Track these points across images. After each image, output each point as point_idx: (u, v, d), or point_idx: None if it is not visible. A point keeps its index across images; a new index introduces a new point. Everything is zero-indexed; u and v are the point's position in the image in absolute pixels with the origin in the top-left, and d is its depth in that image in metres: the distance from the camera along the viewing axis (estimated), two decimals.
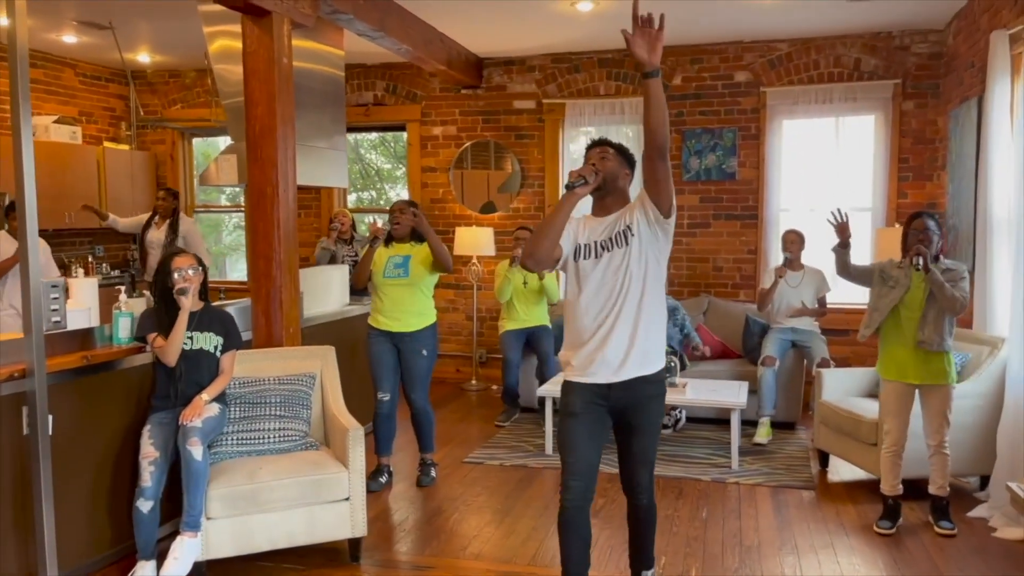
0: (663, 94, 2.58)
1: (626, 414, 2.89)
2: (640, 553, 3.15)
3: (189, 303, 3.50)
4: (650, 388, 2.87)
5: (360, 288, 4.74)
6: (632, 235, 2.79)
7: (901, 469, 4.06)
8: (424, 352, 4.62)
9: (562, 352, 2.98)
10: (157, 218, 6.42)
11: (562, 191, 3.04)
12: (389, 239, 4.61)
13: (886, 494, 4.07)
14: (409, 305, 4.57)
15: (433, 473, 4.82)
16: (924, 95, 6.37)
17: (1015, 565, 3.60)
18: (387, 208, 9.27)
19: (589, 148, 2.96)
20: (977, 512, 4.18)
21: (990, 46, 4.59)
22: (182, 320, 3.49)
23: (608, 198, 2.89)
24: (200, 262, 3.69)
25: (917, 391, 4.02)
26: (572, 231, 2.88)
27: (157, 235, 6.34)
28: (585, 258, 2.85)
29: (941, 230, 4.00)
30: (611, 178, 2.85)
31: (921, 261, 3.83)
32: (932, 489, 4.04)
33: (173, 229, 6.31)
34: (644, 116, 2.62)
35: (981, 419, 4.31)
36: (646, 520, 3.10)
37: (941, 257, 3.98)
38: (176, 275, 3.55)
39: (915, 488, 4.24)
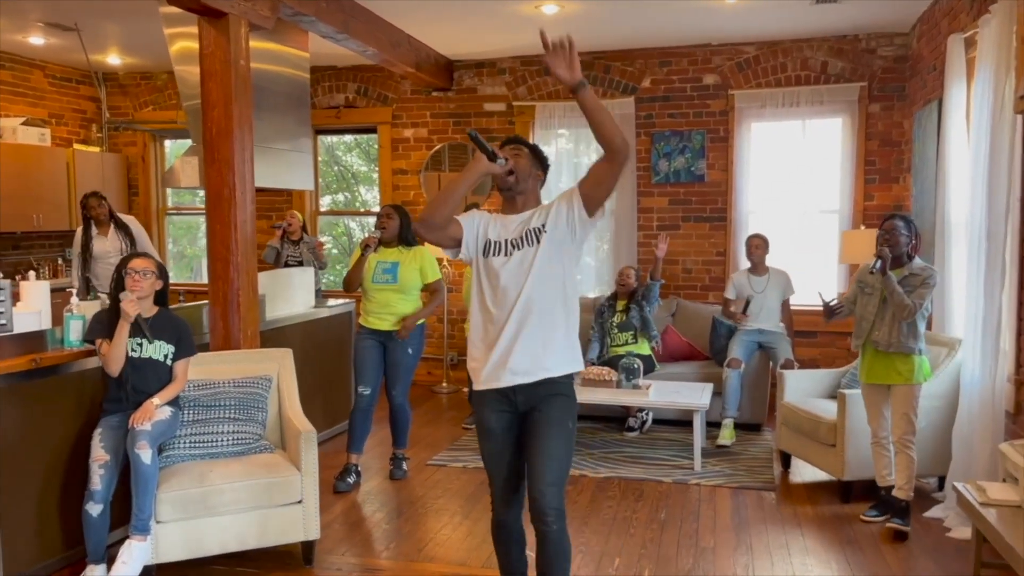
0: (598, 100, 2.50)
1: (531, 413, 2.73)
2: None
3: (130, 310, 3.42)
4: (555, 387, 2.72)
5: (351, 291, 4.76)
6: (544, 232, 2.68)
7: (889, 461, 4.12)
8: (410, 350, 4.70)
9: (469, 356, 2.83)
10: (96, 227, 5.85)
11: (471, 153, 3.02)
12: (378, 243, 4.64)
13: (878, 484, 4.17)
14: (398, 307, 4.64)
15: (405, 467, 4.91)
16: (890, 98, 6.42)
17: (966, 564, 3.61)
18: (361, 211, 9.26)
19: (503, 145, 2.86)
20: (933, 512, 4.21)
21: (947, 50, 4.64)
22: (122, 330, 3.43)
23: (518, 197, 2.79)
24: (161, 269, 3.65)
25: (888, 389, 4.09)
26: (482, 225, 2.78)
27: (106, 244, 5.83)
28: (495, 255, 2.72)
29: (913, 231, 4.00)
30: (523, 176, 2.75)
31: (879, 264, 3.87)
32: (895, 491, 4.06)
33: (124, 232, 5.89)
34: (591, 128, 2.51)
35: (939, 420, 4.34)
36: (555, 554, 2.67)
37: (915, 258, 3.99)
38: (128, 276, 3.51)
39: (868, 489, 4.28)
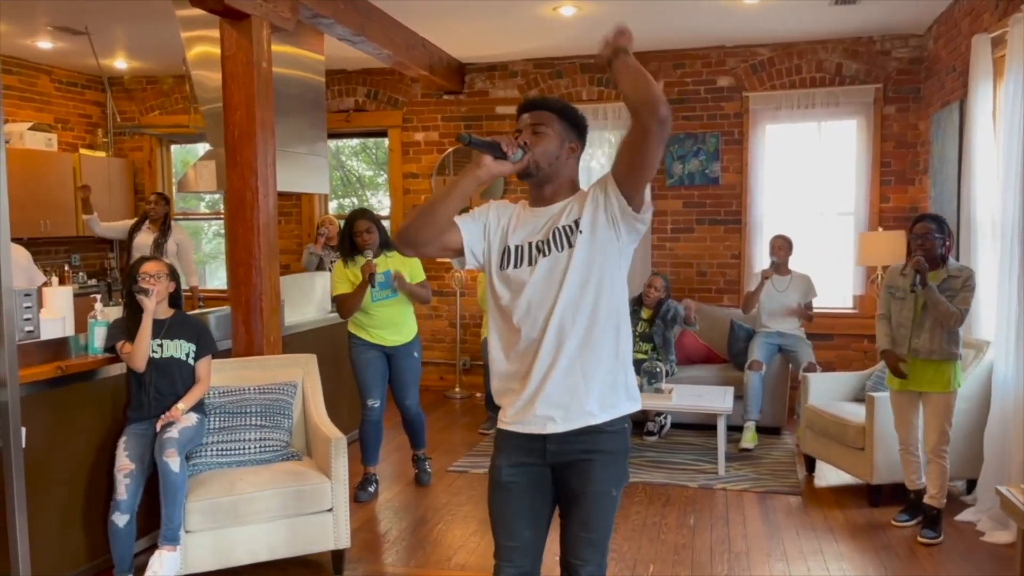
0: (637, 64, 1.94)
1: (566, 474, 2.14)
2: None
3: (151, 304, 3.42)
4: (600, 440, 2.11)
5: (346, 317, 4.60)
6: (578, 233, 2.06)
7: (918, 466, 4.06)
8: (415, 354, 4.64)
9: (495, 390, 2.22)
10: (148, 222, 6.22)
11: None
12: (352, 253, 4.46)
13: (908, 488, 4.12)
14: (400, 319, 4.57)
15: (428, 468, 4.87)
16: (906, 99, 6.39)
17: (1003, 569, 3.58)
18: None
19: (520, 113, 2.19)
20: (965, 516, 4.17)
21: (972, 50, 4.61)
22: (146, 322, 3.41)
23: (547, 186, 2.14)
24: (172, 271, 3.62)
25: (921, 396, 4.01)
26: (501, 226, 2.16)
27: (146, 238, 6.16)
28: (516, 266, 2.11)
29: (946, 231, 3.90)
30: (546, 160, 2.09)
31: (918, 278, 3.76)
32: (925, 497, 4.00)
33: (164, 233, 6.16)
34: (624, 95, 1.95)
35: (968, 422, 4.29)
36: None
37: (949, 259, 3.91)
38: (143, 280, 3.48)
39: (897, 492, 4.24)
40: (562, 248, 2.07)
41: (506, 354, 2.15)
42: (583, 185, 2.20)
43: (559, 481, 2.16)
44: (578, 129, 2.17)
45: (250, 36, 4.06)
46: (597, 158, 7.14)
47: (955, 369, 3.89)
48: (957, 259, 4.80)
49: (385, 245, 4.49)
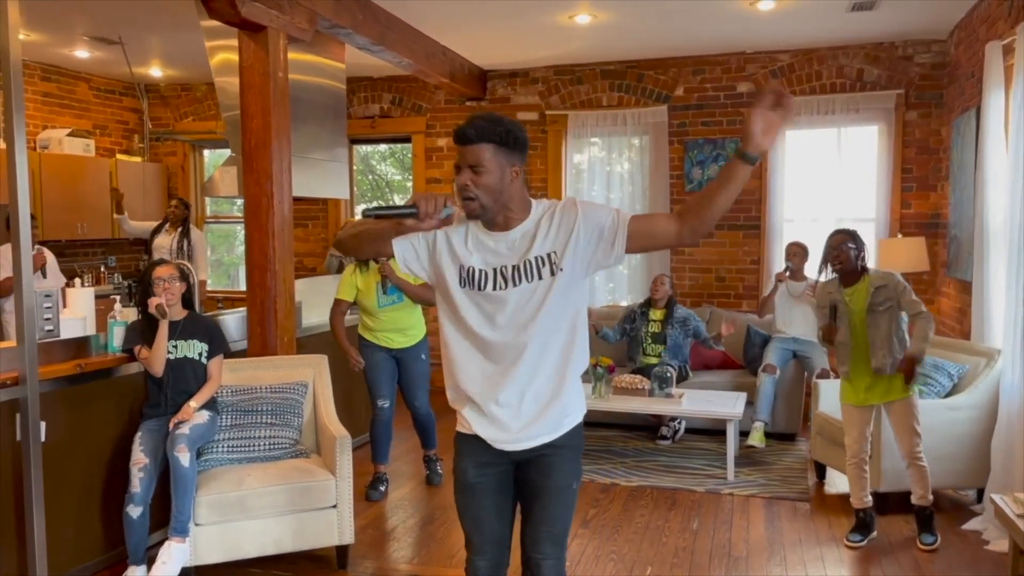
0: (746, 180, 1.99)
1: (527, 469, 2.22)
2: None
3: (165, 311, 3.55)
4: (561, 438, 2.20)
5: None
6: (559, 270, 2.07)
7: (867, 481, 4.02)
8: (423, 356, 4.72)
9: (451, 399, 2.27)
10: (168, 225, 6.46)
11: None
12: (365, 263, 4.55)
13: (855, 507, 4.05)
14: (406, 322, 4.64)
15: (440, 469, 4.94)
16: (927, 105, 6.34)
17: None
18: None
19: (457, 143, 2.10)
20: (971, 525, 4.15)
21: (985, 57, 4.58)
22: (162, 333, 3.56)
23: (497, 216, 2.10)
24: (183, 272, 3.76)
25: (881, 407, 3.99)
26: (449, 246, 2.15)
27: (165, 241, 6.39)
28: (481, 287, 2.11)
29: (859, 242, 3.87)
30: (491, 197, 2.04)
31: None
32: (913, 500, 4.01)
33: (185, 237, 6.39)
34: (712, 192, 1.99)
35: (977, 431, 4.27)
36: None
37: (868, 270, 3.89)
38: (156, 285, 3.61)
39: (903, 501, 4.21)
40: (537, 278, 2.08)
41: (464, 368, 2.18)
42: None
43: (520, 477, 2.25)
44: (519, 147, 2.09)
45: (267, 47, 4.20)
46: (621, 163, 7.20)
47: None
48: (971, 268, 4.77)
49: None
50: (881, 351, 3.79)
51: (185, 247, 6.33)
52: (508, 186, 2.06)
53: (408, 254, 2.18)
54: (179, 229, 6.41)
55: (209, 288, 7.22)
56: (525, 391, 2.14)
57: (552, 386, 2.16)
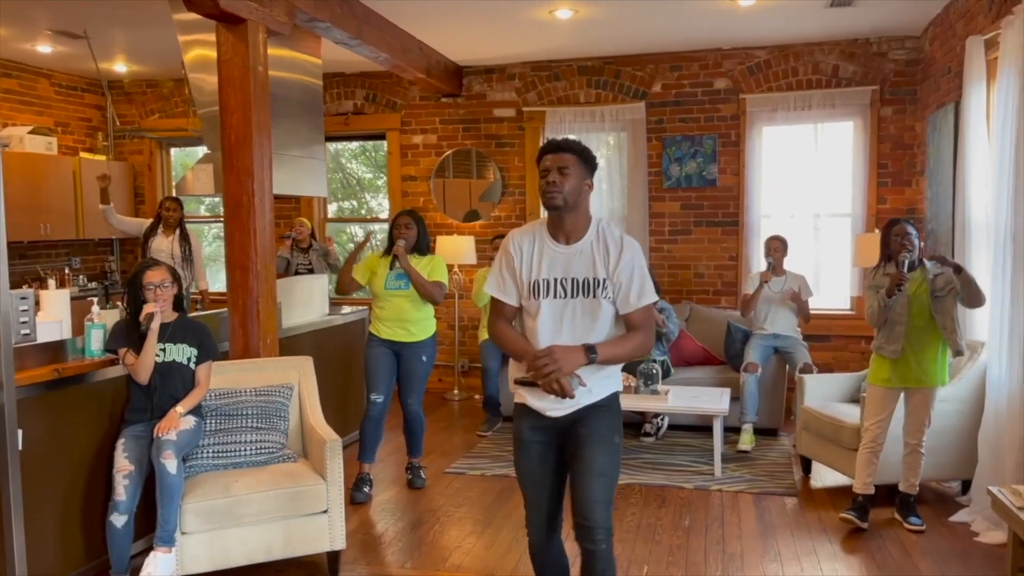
0: (612, 351, 2.53)
1: (574, 427, 2.60)
2: None
3: (156, 325, 3.45)
4: (601, 401, 2.62)
5: (344, 292, 4.74)
6: (604, 294, 2.55)
7: (876, 468, 4.09)
8: (424, 358, 4.66)
9: (513, 380, 2.66)
10: (163, 227, 6.24)
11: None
12: (391, 248, 4.57)
13: (858, 492, 4.10)
14: (411, 315, 4.59)
15: (423, 475, 4.87)
16: (902, 101, 6.41)
17: (997, 569, 3.59)
18: (368, 217, 9.21)
19: (541, 155, 2.59)
20: (959, 517, 4.18)
21: (966, 52, 4.63)
22: (151, 340, 3.44)
23: (568, 216, 2.56)
24: (175, 275, 3.64)
25: (902, 393, 4.05)
26: (524, 262, 2.58)
27: (164, 244, 6.18)
28: (546, 296, 2.55)
29: (920, 235, 4.04)
30: (573, 196, 2.52)
31: (907, 264, 3.88)
32: (903, 487, 4.11)
33: (185, 240, 6.22)
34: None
35: (962, 423, 4.31)
36: (603, 574, 2.56)
37: (925, 261, 4.01)
38: (148, 291, 3.49)
39: (889, 493, 4.25)
40: (588, 295, 2.55)
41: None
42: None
43: (567, 438, 2.62)
44: (592, 166, 2.60)
45: (246, 40, 4.08)
46: (598, 160, 7.15)
47: (947, 362, 4.00)
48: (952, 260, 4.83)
49: (419, 250, 4.59)
50: (954, 334, 3.90)
51: (187, 252, 6.17)
52: (581, 194, 2.56)
53: (497, 286, 2.65)
54: (176, 231, 6.23)
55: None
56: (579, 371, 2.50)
57: (593, 368, 2.53)
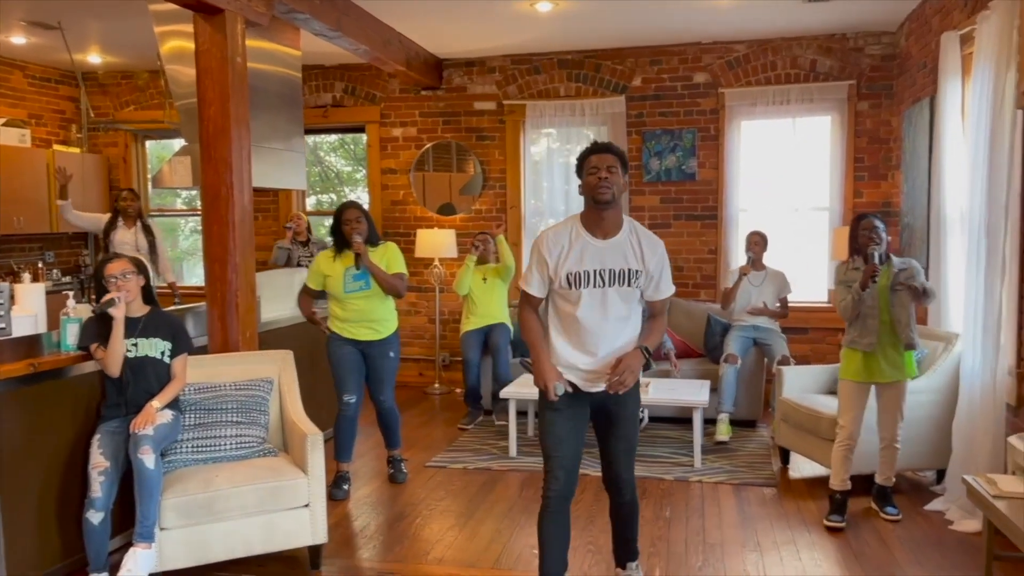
0: (654, 336, 3.01)
1: (606, 404, 3.00)
2: (627, 546, 3.26)
3: (120, 313, 3.39)
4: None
5: (307, 314, 4.70)
6: (637, 283, 2.91)
7: (852, 464, 4.12)
8: (391, 354, 4.59)
9: (559, 356, 2.99)
10: (122, 220, 6.10)
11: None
12: (341, 246, 4.42)
13: (835, 488, 4.12)
14: (375, 313, 4.48)
15: (404, 468, 4.83)
16: (878, 96, 6.47)
17: (972, 557, 3.65)
18: None
19: (588, 154, 2.91)
20: (934, 506, 4.24)
21: (941, 47, 4.68)
22: (117, 330, 3.38)
23: (609, 210, 2.87)
24: (139, 266, 3.59)
25: (872, 387, 4.09)
26: (559, 256, 2.89)
27: (127, 236, 6.05)
28: (584, 286, 2.88)
29: (887, 229, 4.02)
30: (619, 191, 2.87)
31: (877, 256, 3.87)
32: (879, 479, 4.17)
33: (148, 231, 6.12)
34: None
35: (936, 414, 4.37)
36: (630, 516, 3.20)
37: (891, 255, 4.03)
38: (109, 283, 3.44)
39: (865, 482, 4.30)
40: (624, 284, 2.90)
41: (570, 341, 2.96)
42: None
43: (597, 411, 3.05)
44: (627, 168, 2.96)
45: (224, 31, 4.04)
46: (575, 153, 7.16)
47: (912, 356, 4.05)
48: (927, 255, 4.88)
49: (370, 242, 4.40)
50: (907, 327, 3.95)
51: (152, 243, 6.08)
52: (620, 192, 2.89)
53: (533, 283, 3.00)
54: (137, 223, 6.13)
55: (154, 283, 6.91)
56: (607, 355, 2.94)
57: (623, 350, 2.95)
